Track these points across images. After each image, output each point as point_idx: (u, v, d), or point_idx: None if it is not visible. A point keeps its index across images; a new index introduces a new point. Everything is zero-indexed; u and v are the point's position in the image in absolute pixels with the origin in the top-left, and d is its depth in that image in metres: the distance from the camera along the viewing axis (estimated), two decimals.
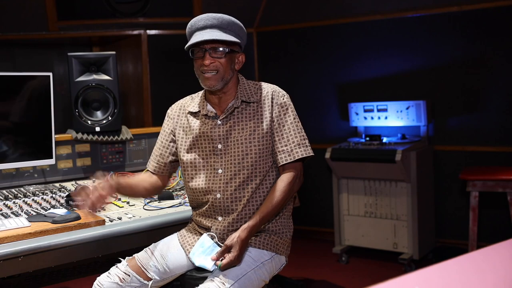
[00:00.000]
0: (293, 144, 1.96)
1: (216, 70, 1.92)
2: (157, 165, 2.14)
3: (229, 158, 1.97)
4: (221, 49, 1.92)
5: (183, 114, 2.09)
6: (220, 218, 1.98)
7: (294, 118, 2.00)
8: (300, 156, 1.95)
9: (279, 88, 2.05)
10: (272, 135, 1.98)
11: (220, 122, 1.99)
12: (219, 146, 1.98)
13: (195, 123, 2.04)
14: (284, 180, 1.95)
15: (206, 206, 2.00)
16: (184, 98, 2.15)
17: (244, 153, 1.95)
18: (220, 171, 1.98)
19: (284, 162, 1.95)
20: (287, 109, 1.99)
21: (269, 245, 1.96)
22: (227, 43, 1.93)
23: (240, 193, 1.95)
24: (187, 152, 2.05)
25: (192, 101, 2.10)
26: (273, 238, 1.97)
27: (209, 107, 2.03)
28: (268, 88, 2.03)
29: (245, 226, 1.88)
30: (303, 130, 2.00)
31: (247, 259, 1.89)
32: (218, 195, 1.97)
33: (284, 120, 1.98)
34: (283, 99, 2.00)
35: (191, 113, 2.07)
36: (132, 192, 2.12)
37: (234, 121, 1.98)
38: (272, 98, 1.99)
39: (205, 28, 1.93)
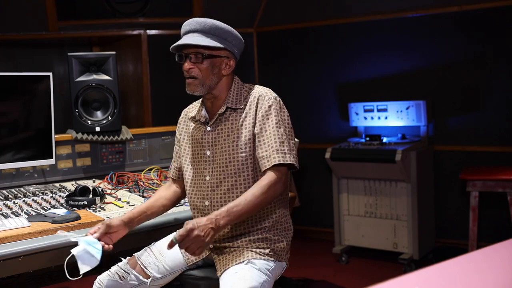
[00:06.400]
0: (271, 149, 1.84)
1: (196, 76, 1.90)
2: (174, 171, 2.15)
3: (216, 165, 1.94)
4: (199, 54, 1.88)
5: (187, 119, 2.10)
6: None
7: (277, 123, 1.87)
8: (277, 162, 1.82)
9: (268, 92, 1.95)
10: (255, 141, 1.90)
11: (209, 129, 1.97)
12: (208, 152, 1.97)
13: (192, 128, 2.05)
14: (264, 179, 1.83)
15: (199, 213, 2.00)
16: (194, 103, 2.14)
17: (228, 161, 1.91)
18: (207, 178, 1.96)
19: (264, 169, 1.85)
20: (270, 114, 1.89)
21: (271, 254, 1.92)
22: (208, 48, 1.89)
23: (226, 201, 1.91)
24: (186, 158, 2.06)
25: (195, 106, 2.10)
26: (274, 246, 1.93)
27: (203, 112, 2.02)
28: (256, 93, 1.94)
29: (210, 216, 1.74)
30: (284, 136, 1.87)
31: (254, 273, 1.83)
32: (207, 202, 1.96)
33: (266, 125, 1.88)
34: (268, 103, 1.90)
35: (191, 118, 2.06)
36: (149, 217, 2.02)
37: (222, 128, 1.95)
38: (257, 103, 1.91)
39: (188, 33, 1.91)
